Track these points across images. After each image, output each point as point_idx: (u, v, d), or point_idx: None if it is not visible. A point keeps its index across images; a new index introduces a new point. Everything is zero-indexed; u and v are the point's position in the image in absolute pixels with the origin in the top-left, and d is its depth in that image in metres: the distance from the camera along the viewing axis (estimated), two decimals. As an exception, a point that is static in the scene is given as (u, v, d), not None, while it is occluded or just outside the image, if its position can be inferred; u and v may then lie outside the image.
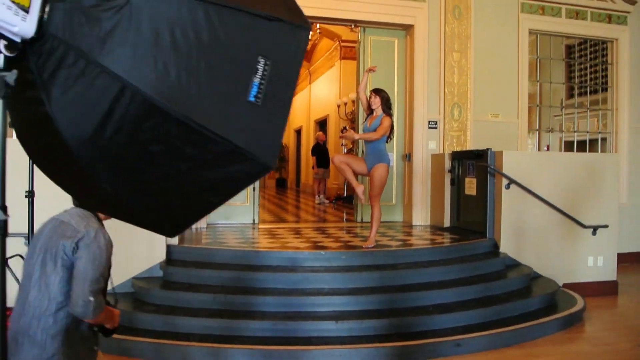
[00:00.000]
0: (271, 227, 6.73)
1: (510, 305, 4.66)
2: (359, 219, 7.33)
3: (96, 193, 1.27)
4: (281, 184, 18.84)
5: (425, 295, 4.53)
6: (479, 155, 5.96)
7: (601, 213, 5.83)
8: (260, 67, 1.18)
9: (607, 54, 7.85)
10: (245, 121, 1.18)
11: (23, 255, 4.46)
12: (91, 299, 1.91)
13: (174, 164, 1.16)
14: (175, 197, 1.24)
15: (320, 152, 11.13)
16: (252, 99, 1.18)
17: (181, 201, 1.25)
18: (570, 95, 9.04)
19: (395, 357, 3.88)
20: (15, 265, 4.53)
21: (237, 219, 6.80)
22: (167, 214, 1.29)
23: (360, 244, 5.36)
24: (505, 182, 5.55)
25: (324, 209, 9.89)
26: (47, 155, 1.27)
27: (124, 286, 4.73)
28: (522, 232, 5.64)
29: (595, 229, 5.76)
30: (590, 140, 8.00)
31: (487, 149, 5.81)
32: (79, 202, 2.02)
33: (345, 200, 11.00)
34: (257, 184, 6.96)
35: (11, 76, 1.04)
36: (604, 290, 5.77)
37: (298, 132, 17.18)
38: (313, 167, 11.45)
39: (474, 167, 6.17)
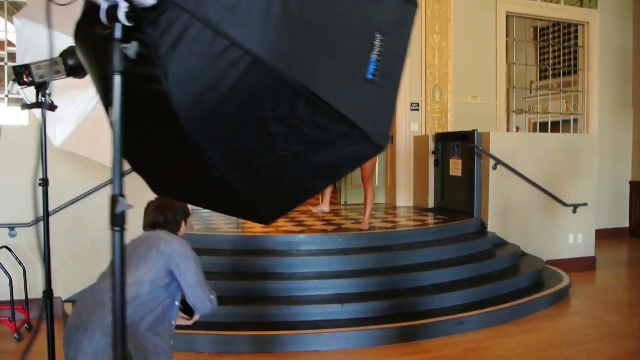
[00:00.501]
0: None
1: (502, 283, 4.78)
2: (342, 202, 7.33)
3: (196, 181, 1.18)
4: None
5: (423, 276, 4.59)
6: (465, 137, 6.04)
7: (580, 191, 6.05)
8: (377, 42, 1.12)
9: (577, 37, 8.08)
10: (363, 100, 1.12)
11: (9, 247, 4.24)
12: (212, 297, 2.32)
13: (292, 146, 1.09)
14: (284, 182, 1.16)
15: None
16: (370, 76, 1.12)
17: (289, 186, 1.18)
18: (542, 77, 9.29)
19: (402, 337, 3.92)
20: (2, 258, 4.32)
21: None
22: (272, 199, 1.22)
23: (352, 226, 5.36)
24: (492, 162, 5.66)
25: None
26: (146, 139, 1.16)
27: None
28: (508, 212, 5.78)
29: (575, 207, 5.98)
30: (561, 122, 8.25)
31: (473, 130, 5.89)
32: (167, 193, 1.98)
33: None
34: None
35: (132, 48, 0.93)
36: (584, 265, 6.02)
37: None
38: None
39: (459, 148, 6.25)
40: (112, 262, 1.01)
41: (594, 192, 6.17)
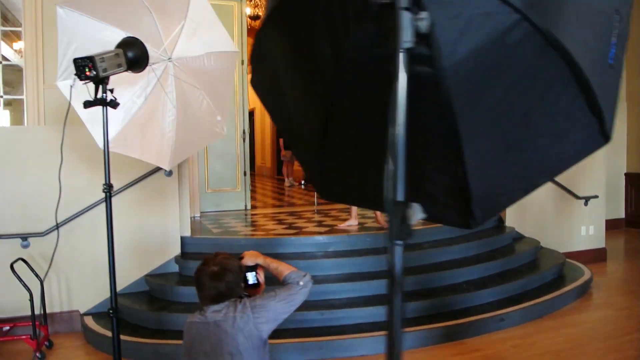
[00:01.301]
0: (267, 213, 6.45)
1: (530, 278, 4.77)
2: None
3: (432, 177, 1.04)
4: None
5: (457, 273, 4.53)
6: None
7: (591, 184, 6.10)
8: (616, 24, 1.01)
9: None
10: (605, 86, 1.00)
11: (25, 258, 3.96)
12: (301, 282, 2.11)
13: (540, 140, 0.96)
14: (515, 179, 1.04)
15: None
16: (611, 61, 1.01)
17: (515, 183, 1.05)
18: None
19: (447, 337, 3.85)
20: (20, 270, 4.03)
21: (229, 206, 6.46)
22: (494, 199, 1.08)
23: (373, 225, 5.25)
24: (508, 157, 5.64)
25: (294, 192, 9.69)
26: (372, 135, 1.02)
27: (137, 285, 4.34)
28: (524, 206, 5.77)
29: (587, 199, 6.03)
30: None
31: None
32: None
33: (315, 182, 10.85)
34: (247, 168, 6.63)
35: (425, 21, 0.78)
36: (595, 257, 6.07)
37: (251, 114, 16.67)
38: (281, 150, 11.18)
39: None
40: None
41: (602, 184, 6.24)
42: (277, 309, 2.07)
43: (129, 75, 2.48)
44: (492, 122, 0.91)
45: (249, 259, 2.29)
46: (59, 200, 2.67)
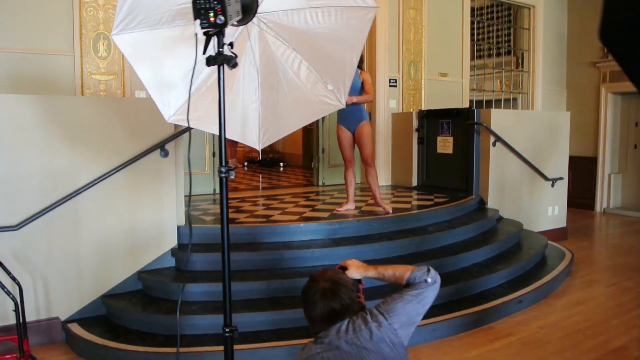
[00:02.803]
0: (245, 197, 5.96)
1: (529, 260, 4.85)
2: (320, 183, 6.93)
3: None
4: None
5: (464, 257, 4.46)
6: (460, 113, 6.01)
7: (557, 166, 6.38)
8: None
9: (512, 20, 8.49)
10: None
11: None
12: (429, 279, 1.84)
13: None
14: None
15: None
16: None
17: None
18: (477, 57, 9.64)
19: (475, 323, 3.77)
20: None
21: (197, 189, 5.89)
22: None
23: (369, 209, 5.04)
24: (492, 139, 5.70)
25: (239, 174, 9.19)
26: None
27: (129, 283, 3.76)
28: (502, 188, 5.89)
29: (554, 181, 6.30)
30: (503, 100, 8.66)
31: (471, 108, 5.87)
32: None
33: (261, 164, 10.41)
34: (217, 149, 6.08)
35: None
36: (559, 236, 6.39)
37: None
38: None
39: (449, 125, 6.21)
40: None
41: (566, 166, 6.55)
42: (409, 310, 1.80)
43: (189, 32, 2.01)
44: None
45: (355, 270, 1.97)
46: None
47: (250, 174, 9.29)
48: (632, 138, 8.36)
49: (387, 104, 6.87)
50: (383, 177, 6.94)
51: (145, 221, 3.82)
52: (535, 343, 3.50)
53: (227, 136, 2.30)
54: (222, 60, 1.62)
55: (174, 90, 2.07)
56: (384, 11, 6.70)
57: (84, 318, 3.61)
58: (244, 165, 10.29)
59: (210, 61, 1.64)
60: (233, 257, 3.84)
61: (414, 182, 6.69)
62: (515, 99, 8.71)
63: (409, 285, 1.84)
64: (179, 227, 3.98)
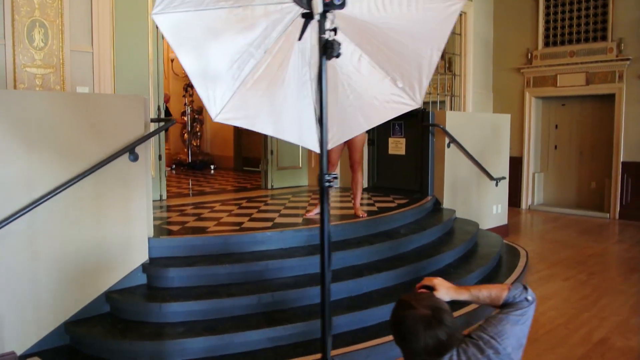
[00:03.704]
0: (196, 202, 5.51)
1: (493, 259, 4.98)
2: (269, 186, 6.64)
3: None
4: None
5: (439, 259, 4.46)
6: (412, 115, 6.05)
7: (500, 166, 6.67)
8: None
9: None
10: None
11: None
12: (529, 297, 1.72)
13: None
14: None
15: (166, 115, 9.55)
16: None
17: None
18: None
19: (470, 324, 3.76)
20: None
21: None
22: None
23: (337, 213, 4.89)
24: (447, 140, 5.80)
25: (171, 177, 8.63)
26: None
27: (95, 306, 3.30)
28: (455, 188, 6.03)
29: (498, 180, 6.57)
30: (433, 103, 8.94)
31: (424, 109, 5.94)
32: None
33: (190, 167, 9.86)
34: (163, 151, 5.59)
35: None
36: (501, 233, 6.65)
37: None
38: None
39: (401, 127, 6.24)
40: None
41: (506, 166, 6.87)
42: (516, 332, 1.67)
43: (250, 13, 1.74)
44: None
45: (446, 292, 1.77)
46: None
47: (181, 177, 8.73)
48: (552, 139, 9.02)
49: (336, 105, 6.76)
50: (333, 179, 6.82)
51: (112, 234, 3.35)
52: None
53: (286, 138, 2.03)
54: (332, 49, 1.38)
55: (218, 83, 1.77)
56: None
57: (45, 350, 3.08)
58: (172, 168, 9.67)
59: (327, 49, 1.38)
60: (215, 271, 3.54)
61: (365, 184, 6.65)
62: (442, 102, 9.02)
63: (507, 305, 1.71)
64: (149, 240, 3.55)
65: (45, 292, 3.12)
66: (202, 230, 4.03)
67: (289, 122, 1.88)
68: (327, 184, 1.58)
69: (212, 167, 10.00)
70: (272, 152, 6.61)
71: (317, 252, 3.80)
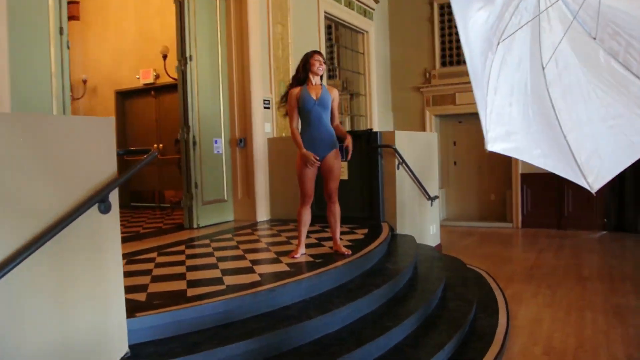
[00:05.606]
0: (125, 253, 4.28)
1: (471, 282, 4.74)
2: (194, 225, 5.60)
3: None
4: None
5: (440, 289, 4.07)
6: (357, 136, 5.61)
7: (432, 185, 6.56)
8: None
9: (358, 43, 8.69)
10: None
11: None
12: None
13: None
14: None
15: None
16: None
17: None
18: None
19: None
20: None
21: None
22: None
23: (317, 251, 4.20)
24: (397, 162, 5.48)
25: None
26: None
27: None
28: (403, 211, 5.73)
29: (432, 199, 6.46)
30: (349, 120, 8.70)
31: (371, 130, 5.56)
32: None
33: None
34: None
35: None
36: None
37: None
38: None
39: (342, 150, 5.76)
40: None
41: (437, 186, 6.80)
42: None
43: None
44: None
45: None
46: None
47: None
48: (451, 155, 9.34)
49: (262, 127, 6.05)
50: (262, 211, 6.06)
51: (80, 324, 2.26)
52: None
53: (542, 164, 1.37)
54: None
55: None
56: (255, 24, 5.91)
57: None
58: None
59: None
60: (224, 353, 2.61)
61: (305, 214, 6.00)
62: (342, 122, 8.81)
63: None
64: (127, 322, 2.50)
65: None
66: (178, 299, 3.03)
67: (548, 144, 1.26)
68: None
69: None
70: (196, 185, 5.61)
71: (330, 303, 3.14)
